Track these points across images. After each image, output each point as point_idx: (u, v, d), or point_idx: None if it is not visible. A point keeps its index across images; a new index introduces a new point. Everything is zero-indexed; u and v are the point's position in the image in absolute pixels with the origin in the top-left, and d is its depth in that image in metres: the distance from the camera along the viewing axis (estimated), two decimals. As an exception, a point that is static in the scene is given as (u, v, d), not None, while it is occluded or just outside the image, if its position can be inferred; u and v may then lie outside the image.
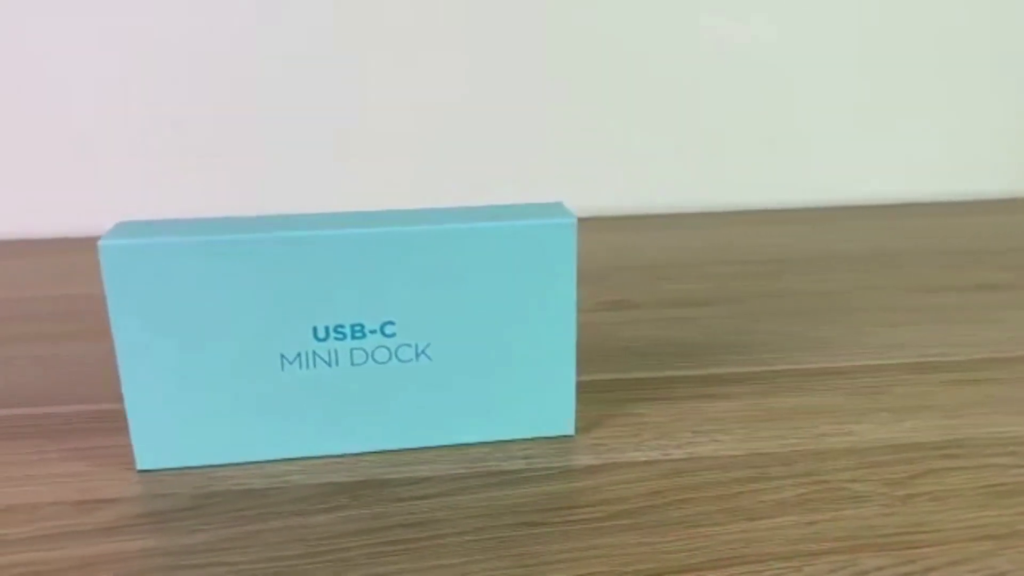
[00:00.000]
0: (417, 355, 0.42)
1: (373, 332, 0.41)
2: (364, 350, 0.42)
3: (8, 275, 0.73)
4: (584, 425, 0.45)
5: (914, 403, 0.48)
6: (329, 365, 0.42)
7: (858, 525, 0.37)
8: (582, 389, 0.45)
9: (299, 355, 0.41)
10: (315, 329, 0.41)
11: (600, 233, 0.78)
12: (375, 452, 0.43)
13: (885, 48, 0.89)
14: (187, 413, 0.41)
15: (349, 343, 0.41)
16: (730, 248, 0.78)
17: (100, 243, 0.38)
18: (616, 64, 0.86)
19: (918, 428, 0.45)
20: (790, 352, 0.55)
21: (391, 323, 0.41)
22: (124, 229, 0.40)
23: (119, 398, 0.41)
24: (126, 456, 0.42)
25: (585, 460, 0.43)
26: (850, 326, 0.59)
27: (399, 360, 0.42)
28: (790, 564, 0.35)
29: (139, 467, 0.42)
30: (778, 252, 0.76)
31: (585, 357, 0.45)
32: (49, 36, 0.79)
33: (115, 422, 0.45)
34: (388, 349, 0.42)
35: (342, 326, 0.41)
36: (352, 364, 0.42)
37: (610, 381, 0.51)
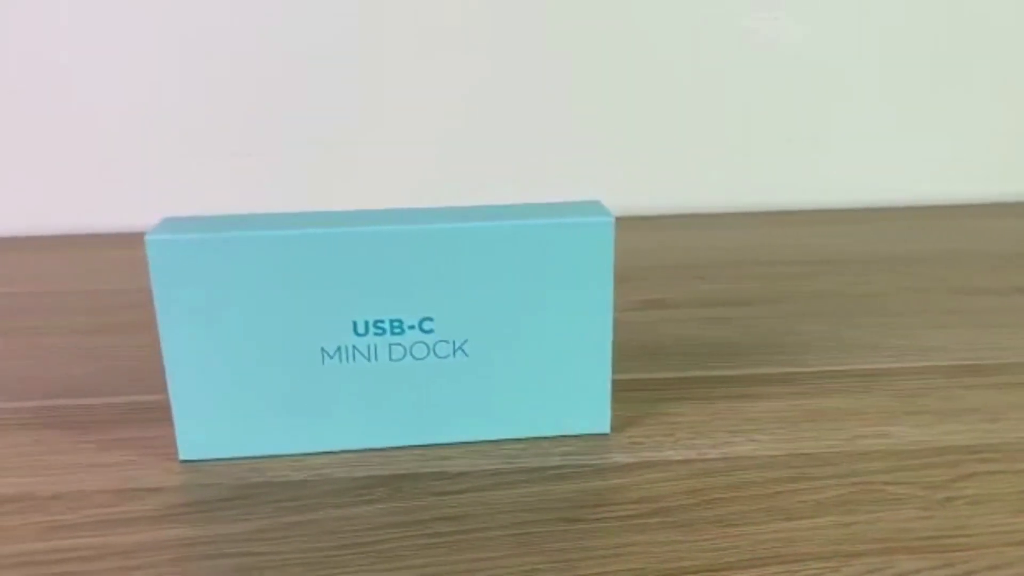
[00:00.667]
0: (454, 351, 0.43)
1: (411, 328, 0.42)
2: (402, 345, 0.42)
3: (51, 270, 0.75)
4: (619, 423, 0.45)
5: (953, 406, 0.48)
6: (368, 360, 0.42)
7: (896, 527, 0.37)
8: (618, 388, 0.45)
9: (339, 349, 0.42)
10: (355, 324, 0.41)
11: (638, 232, 0.78)
12: (412, 446, 0.44)
13: (924, 46, 0.88)
14: (229, 405, 0.42)
15: (388, 338, 0.42)
16: (768, 248, 0.77)
17: (147, 238, 0.39)
18: (652, 64, 0.86)
19: (957, 431, 0.45)
20: (828, 353, 0.54)
21: (429, 319, 0.42)
22: (170, 225, 0.41)
23: (160, 390, 0.42)
24: (169, 447, 0.43)
25: (620, 458, 0.43)
26: (889, 328, 0.58)
27: (437, 356, 0.43)
28: (828, 564, 0.35)
29: (182, 457, 0.43)
30: (816, 253, 0.76)
31: (621, 356, 0.45)
32: (89, 34, 0.80)
33: (157, 413, 0.46)
34: (426, 345, 0.42)
35: (381, 321, 0.42)
36: (390, 359, 0.42)
37: (646, 380, 0.51)
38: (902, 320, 0.60)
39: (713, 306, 0.63)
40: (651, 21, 0.84)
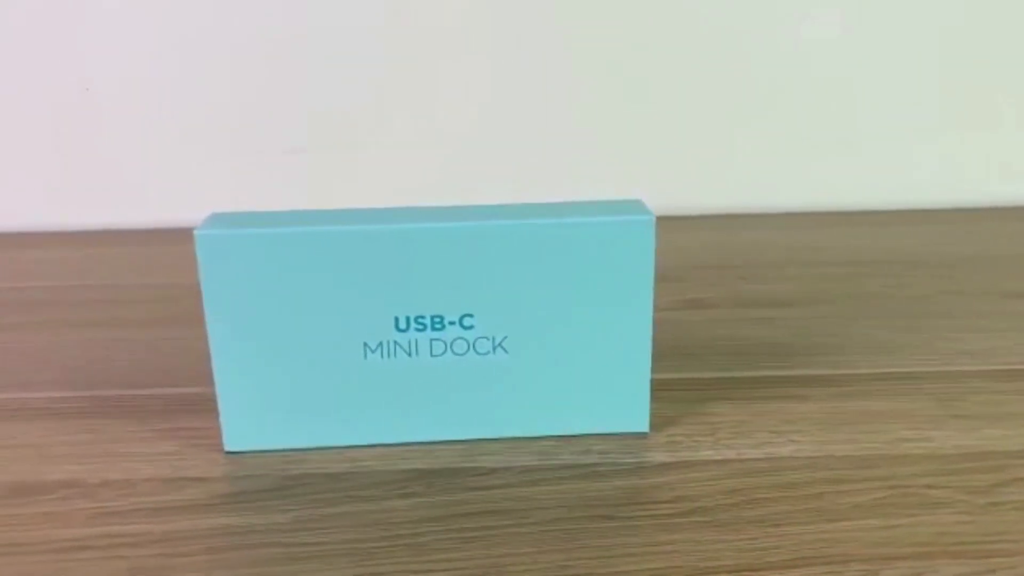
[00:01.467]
0: (494, 348, 0.43)
1: (452, 324, 0.42)
2: (443, 341, 0.43)
3: (103, 264, 0.77)
4: (658, 422, 0.45)
5: (996, 411, 0.47)
6: (409, 355, 0.43)
7: (937, 531, 0.37)
8: (657, 387, 0.45)
9: (381, 344, 0.42)
10: (396, 319, 0.42)
11: (680, 232, 0.78)
12: (451, 441, 0.44)
13: (970, 47, 0.86)
14: (273, 397, 0.43)
15: (429, 334, 0.42)
16: (811, 249, 0.77)
17: (196, 233, 0.40)
18: (693, 62, 0.85)
19: (1001, 436, 0.44)
20: (870, 355, 0.54)
21: (470, 315, 0.42)
22: (218, 220, 0.42)
23: (206, 382, 0.43)
24: (214, 438, 0.44)
25: (659, 457, 0.43)
26: (932, 331, 0.58)
27: (477, 352, 0.43)
28: (869, 567, 0.35)
29: (226, 448, 0.43)
30: (860, 254, 0.75)
31: (661, 355, 0.45)
32: (137, 31, 0.82)
33: (203, 405, 0.47)
34: (466, 341, 0.43)
35: (423, 317, 0.42)
36: (431, 355, 0.43)
37: (686, 380, 0.51)
38: (946, 323, 0.59)
39: (755, 307, 0.63)
40: (694, 20, 0.84)
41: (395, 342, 0.42)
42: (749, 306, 0.63)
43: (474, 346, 0.43)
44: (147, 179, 0.86)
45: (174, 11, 0.81)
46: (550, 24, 0.83)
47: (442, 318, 0.42)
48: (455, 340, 0.43)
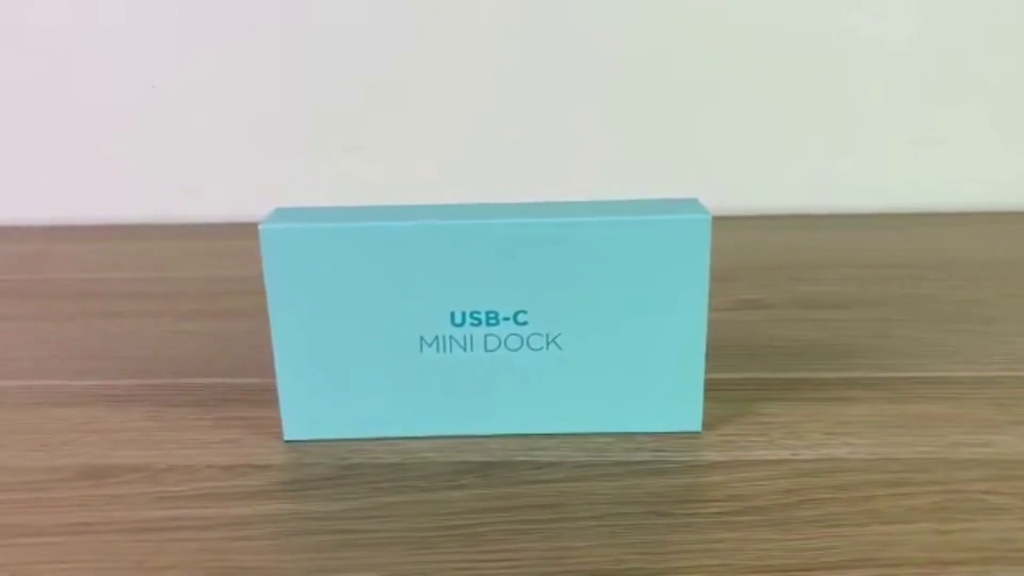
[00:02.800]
0: (547, 344, 0.43)
1: (506, 320, 0.43)
2: (497, 336, 0.43)
3: (168, 257, 0.79)
4: (711, 422, 0.46)
5: (1060, 417, 0.46)
6: (464, 349, 0.43)
7: (994, 538, 0.36)
8: (711, 386, 0.45)
9: (436, 338, 0.43)
10: (452, 314, 0.43)
11: (737, 232, 0.77)
12: (504, 435, 0.45)
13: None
14: (332, 388, 0.44)
15: (483, 329, 0.43)
16: (867, 251, 0.76)
17: (261, 227, 0.41)
18: (756, 62, 0.85)
19: (1064, 443, 0.44)
20: (926, 359, 0.53)
21: (524, 312, 0.43)
22: (282, 215, 0.43)
23: (268, 373, 0.44)
24: (274, 427, 0.45)
25: (712, 456, 0.43)
26: (990, 335, 0.57)
27: (530, 348, 0.43)
28: (924, 571, 0.34)
29: (286, 437, 0.44)
30: (919, 256, 0.74)
31: (716, 355, 0.45)
32: (201, 31, 0.84)
33: (264, 395, 0.48)
34: (520, 337, 0.43)
35: (478, 312, 0.43)
36: (485, 350, 0.43)
37: (740, 380, 0.51)
38: (1005, 327, 0.58)
39: (811, 308, 0.62)
40: (760, 17, 0.84)
41: (451, 337, 0.43)
42: (804, 307, 0.62)
43: (528, 342, 0.43)
44: (213, 175, 0.88)
45: (236, 12, 0.83)
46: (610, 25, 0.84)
47: (496, 314, 0.43)
48: (509, 336, 0.43)
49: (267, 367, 0.44)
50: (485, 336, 0.43)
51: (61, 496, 0.41)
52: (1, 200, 0.88)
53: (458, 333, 0.43)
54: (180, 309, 0.65)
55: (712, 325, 0.43)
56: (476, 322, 0.43)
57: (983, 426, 0.45)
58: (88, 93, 0.86)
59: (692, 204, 0.43)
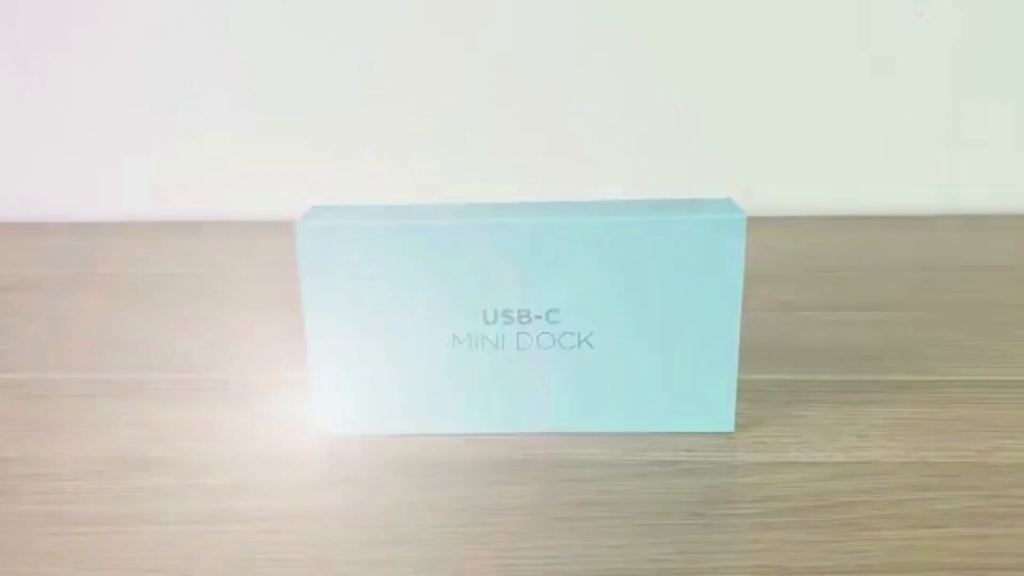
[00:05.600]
0: (579, 343, 0.43)
1: (538, 318, 0.43)
2: (529, 334, 0.43)
3: (203, 252, 0.80)
4: (745, 423, 0.45)
5: (1101, 423, 0.45)
6: (496, 347, 0.43)
7: (1032, 544, 0.36)
8: (745, 387, 0.45)
9: (469, 336, 0.43)
10: (484, 312, 0.43)
11: (773, 232, 0.77)
12: (537, 433, 0.45)
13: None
14: (365, 384, 0.44)
15: (516, 327, 0.43)
16: (907, 253, 0.75)
17: (297, 224, 0.42)
18: (798, 61, 0.84)
19: (1105, 449, 0.43)
20: (966, 362, 0.52)
21: (556, 310, 0.43)
22: (318, 212, 0.43)
23: (302, 367, 0.44)
24: (307, 421, 0.45)
25: (746, 457, 0.43)
26: (1032, 339, 0.56)
27: (562, 347, 0.43)
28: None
29: (320, 432, 0.45)
30: (962, 259, 0.73)
31: (751, 355, 0.45)
32: (243, 30, 0.85)
33: (298, 390, 0.48)
34: (552, 335, 0.43)
35: (510, 311, 0.43)
36: (517, 348, 0.43)
37: (775, 381, 0.50)
38: (1047, 332, 0.57)
39: (848, 310, 0.62)
40: (804, 17, 0.83)
41: (483, 334, 0.43)
42: (841, 309, 0.62)
43: (559, 340, 0.43)
44: (251, 172, 0.89)
45: (279, 13, 0.84)
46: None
47: (528, 312, 0.43)
48: (541, 334, 0.43)
49: (303, 362, 0.44)
50: (517, 334, 0.43)
51: (105, 487, 0.41)
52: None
53: (490, 331, 0.43)
54: (218, 304, 0.65)
55: (749, 326, 0.43)
56: (508, 320, 0.43)
57: (1021, 430, 0.45)
58: (133, 96, 0.87)
59: (726, 204, 0.43)
